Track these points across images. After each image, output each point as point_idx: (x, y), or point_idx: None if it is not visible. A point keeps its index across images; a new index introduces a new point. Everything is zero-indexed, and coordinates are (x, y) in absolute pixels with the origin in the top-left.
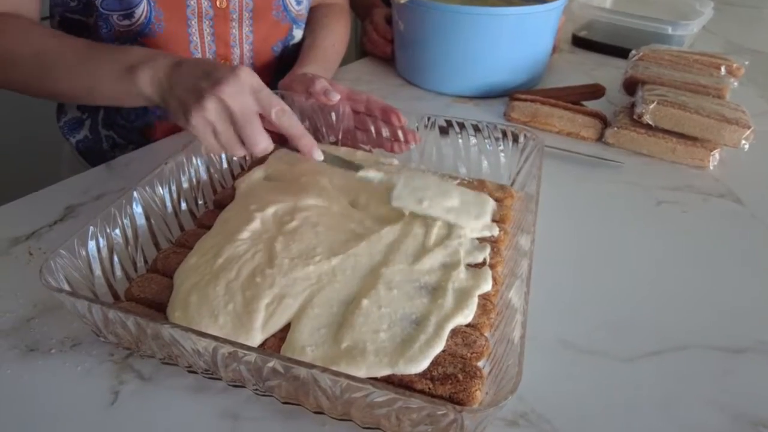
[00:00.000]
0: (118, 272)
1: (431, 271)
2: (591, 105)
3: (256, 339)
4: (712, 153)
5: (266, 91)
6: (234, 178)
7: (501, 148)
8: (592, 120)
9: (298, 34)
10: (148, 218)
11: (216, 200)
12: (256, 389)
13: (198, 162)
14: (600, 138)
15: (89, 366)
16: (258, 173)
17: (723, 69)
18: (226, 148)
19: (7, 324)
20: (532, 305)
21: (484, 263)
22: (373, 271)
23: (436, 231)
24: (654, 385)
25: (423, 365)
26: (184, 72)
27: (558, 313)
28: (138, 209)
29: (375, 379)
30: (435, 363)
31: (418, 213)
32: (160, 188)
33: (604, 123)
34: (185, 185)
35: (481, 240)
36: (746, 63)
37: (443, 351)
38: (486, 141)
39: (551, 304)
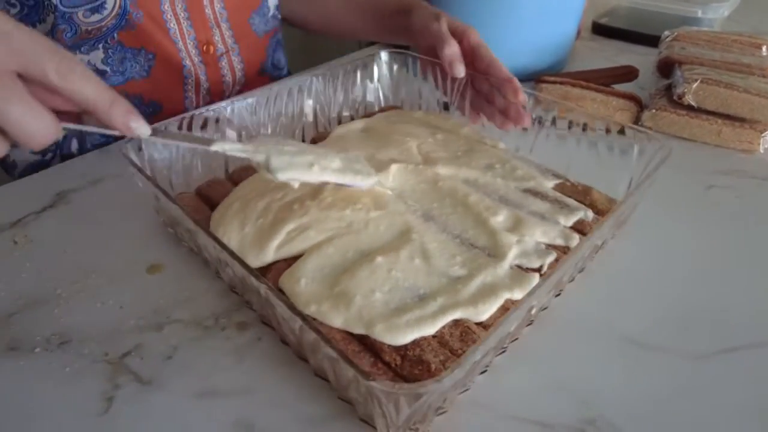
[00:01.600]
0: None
1: (471, 257)
2: (622, 88)
3: (268, 257)
4: (762, 135)
5: (43, 43)
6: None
7: (617, 153)
8: (627, 102)
9: (271, 1)
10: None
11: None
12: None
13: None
14: (636, 122)
15: (79, 367)
16: (357, 124)
17: (764, 49)
18: None
19: None
20: (593, 302)
21: (539, 270)
22: (405, 234)
23: (501, 219)
24: (729, 385)
25: (400, 340)
26: None
27: (619, 308)
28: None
29: (350, 335)
30: (417, 344)
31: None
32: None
33: (640, 106)
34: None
35: (551, 247)
36: None
37: (433, 336)
38: (600, 142)
39: (611, 300)
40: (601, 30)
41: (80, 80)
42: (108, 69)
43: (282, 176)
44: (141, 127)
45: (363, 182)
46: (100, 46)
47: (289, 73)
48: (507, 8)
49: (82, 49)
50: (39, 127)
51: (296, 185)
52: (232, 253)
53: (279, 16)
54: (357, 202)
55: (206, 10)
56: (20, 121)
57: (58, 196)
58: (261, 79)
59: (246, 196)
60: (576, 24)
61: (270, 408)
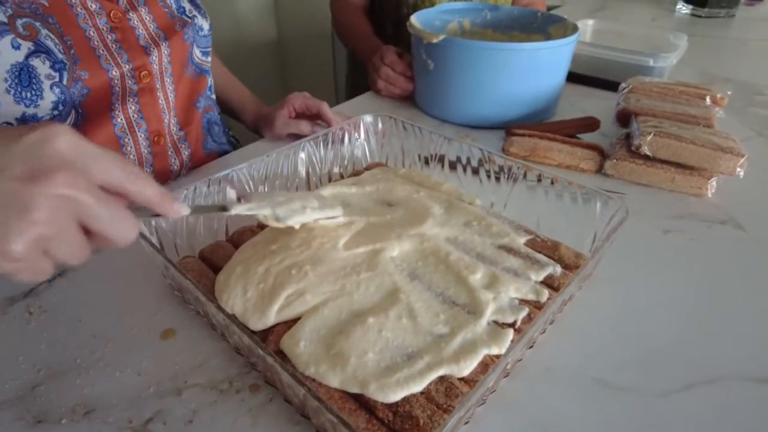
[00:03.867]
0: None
1: (452, 314)
2: (585, 137)
3: (269, 320)
4: (709, 181)
5: (104, 154)
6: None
7: (582, 205)
8: (590, 152)
9: (209, 82)
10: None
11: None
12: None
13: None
14: (599, 170)
15: None
16: (348, 183)
17: (708, 99)
18: (70, 260)
19: (11, 393)
20: (563, 351)
21: (512, 325)
22: (393, 294)
23: (479, 277)
24: (690, 420)
25: (392, 398)
26: None
27: (588, 354)
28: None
29: (347, 393)
30: (406, 400)
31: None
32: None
33: (603, 155)
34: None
35: (524, 302)
36: (729, 93)
37: (421, 393)
38: (568, 200)
39: (580, 347)
40: (570, 77)
41: (143, 183)
42: None
43: (289, 222)
44: (183, 209)
45: (336, 213)
46: None
47: (237, 142)
48: (505, 67)
49: None
50: (127, 226)
51: (297, 227)
52: (238, 324)
53: (213, 96)
54: (352, 263)
55: (160, 102)
56: (111, 222)
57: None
58: (207, 159)
59: (247, 260)
60: (564, 76)
61: None
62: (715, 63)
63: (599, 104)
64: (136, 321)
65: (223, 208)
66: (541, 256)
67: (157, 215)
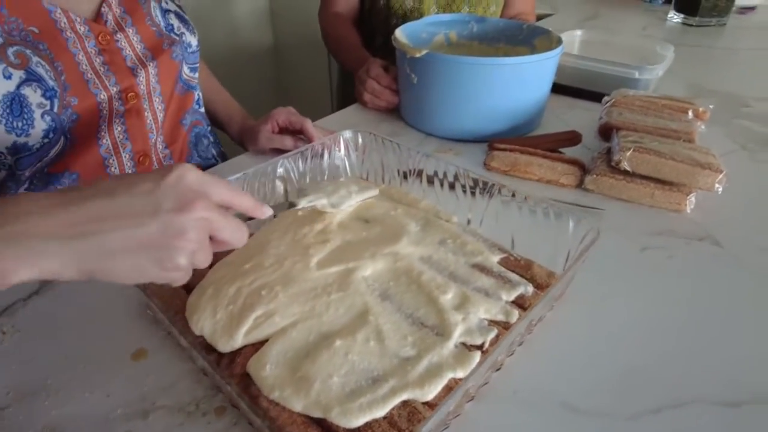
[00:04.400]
0: None
1: (420, 337)
2: (568, 151)
3: (237, 342)
4: (688, 197)
5: (216, 180)
6: None
7: (556, 227)
8: (571, 167)
9: (196, 96)
10: None
11: None
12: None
13: None
14: (580, 185)
15: None
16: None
17: (690, 113)
18: (204, 264)
19: None
20: (531, 374)
21: (481, 347)
22: (363, 316)
23: (450, 297)
24: None
25: (354, 423)
26: (100, 224)
27: (557, 377)
28: None
29: (310, 418)
30: (369, 425)
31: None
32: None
33: (583, 170)
34: None
35: (493, 322)
36: (711, 107)
37: (384, 418)
38: (542, 216)
39: (549, 370)
40: (552, 87)
41: (242, 197)
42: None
43: (342, 207)
44: (268, 210)
45: (374, 192)
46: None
47: (224, 158)
48: (487, 81)
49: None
50: (242, 231)
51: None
52: (198, 351)
53: (202, 110)
54: (323, 283)
55: (148, 122)
56: (231, 231)
57: (44, 282)
58: None
59: (219, 280)
60: (549, 89)
61: None
62: (704, 73)
63: (584, 116)
64: (110, 340)
65: (292, 204)
66: (513, 276)
67: (251, 218)
